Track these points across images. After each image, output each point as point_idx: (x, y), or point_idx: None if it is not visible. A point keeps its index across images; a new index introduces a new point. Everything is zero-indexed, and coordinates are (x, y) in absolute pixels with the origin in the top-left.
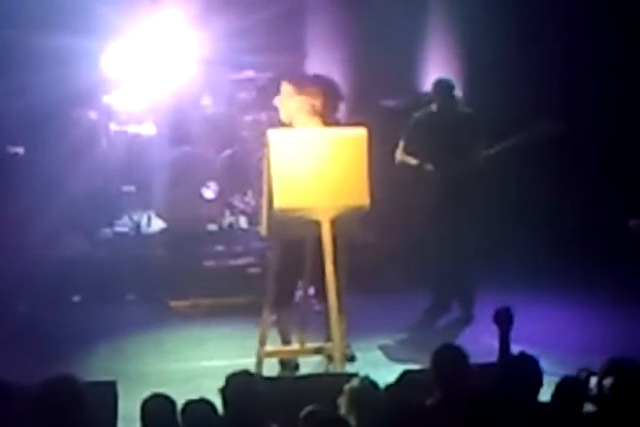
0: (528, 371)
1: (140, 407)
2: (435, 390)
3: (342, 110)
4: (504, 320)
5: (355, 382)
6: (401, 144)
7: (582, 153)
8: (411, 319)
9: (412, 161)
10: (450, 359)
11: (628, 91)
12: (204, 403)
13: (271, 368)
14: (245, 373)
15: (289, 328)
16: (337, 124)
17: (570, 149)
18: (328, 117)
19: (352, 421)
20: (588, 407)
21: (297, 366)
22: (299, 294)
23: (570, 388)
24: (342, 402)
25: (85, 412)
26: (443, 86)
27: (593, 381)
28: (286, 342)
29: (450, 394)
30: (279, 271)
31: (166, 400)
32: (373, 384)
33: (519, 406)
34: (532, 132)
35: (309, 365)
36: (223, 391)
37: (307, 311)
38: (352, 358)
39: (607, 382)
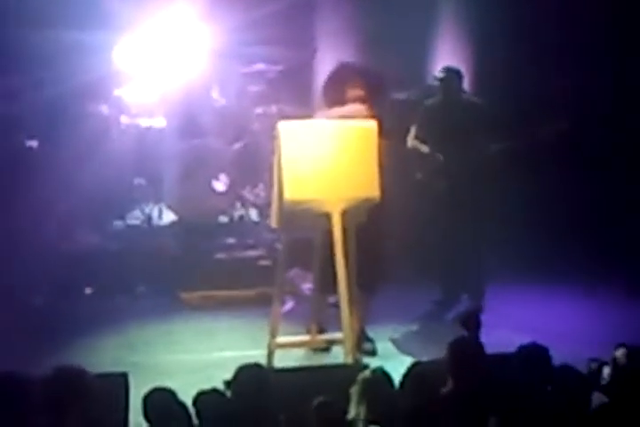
0: (539, 361)
1: (142, 404)
2: (448, 381)
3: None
4: (472, 325)
5: (367, 373)
6: (412, 130)
7: (588, 149)
8: (421, 311)
9: (424, 148)
10: (467, 350)
11: (636, 88)
12: (216, 393)
13: (281, 359)
14: (255, 365)
15: (325, 316)
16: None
17: (575, 144)
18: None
19: (362, 411)
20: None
21: (328, 349)
22: (310, 286)
23: (569, 378)
24: (354, 392)
25: (95, 402)
26: (448, 73)
27: (605, 371)
28: (320, 330)
29: (464, 384)
30: (324, 259)
31: (165, 392)
32: (386, 375)
33: (531, 397)
34: (538, 129)
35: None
36: (232, 383)
37: (320, 303)
38: (373, 352)
39: (606, 370)
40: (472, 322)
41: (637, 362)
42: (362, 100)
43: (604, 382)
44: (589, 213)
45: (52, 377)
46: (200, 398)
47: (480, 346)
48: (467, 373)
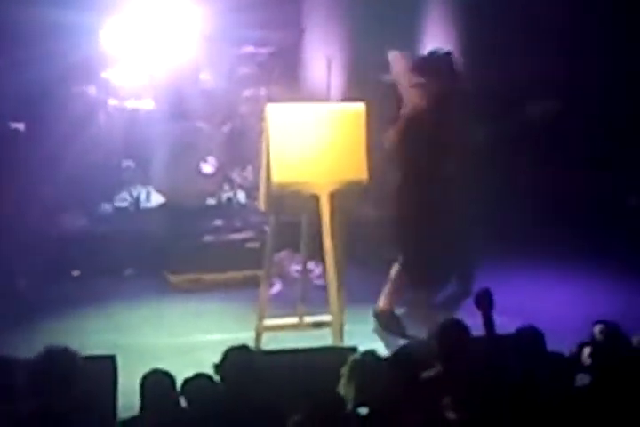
0: (533, 344)
1: (140, 383)
2: (435, 363)
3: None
4: (484, 302)
5: (357, 355)
6: None
7: (579, 131)
8: (408, 294)
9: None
10: (452, 333)
11: (628, 70)
12: (204, 378)
13: (269, 342)
14: (243, 347)
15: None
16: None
17: (567, 127)
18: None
19: (351, 393)
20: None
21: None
22: (298, 268)
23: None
24: (344, 373)
25: (84, 384)
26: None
27: (586, 351)
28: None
29: (450, 366)
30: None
31: (165, 376)
32: (375, 357)
33: (522, 379)
34: (526, 109)
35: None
36: (220, 366)
37: (307, 285)
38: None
39: (586, 350)
40: (485, 301)
41: (614, 338)
42: None
43: (586, 362)
44: (576, 196)
45: (41, 358)
46: (188, 383)
47: (466, 329)
48: (453, 355)
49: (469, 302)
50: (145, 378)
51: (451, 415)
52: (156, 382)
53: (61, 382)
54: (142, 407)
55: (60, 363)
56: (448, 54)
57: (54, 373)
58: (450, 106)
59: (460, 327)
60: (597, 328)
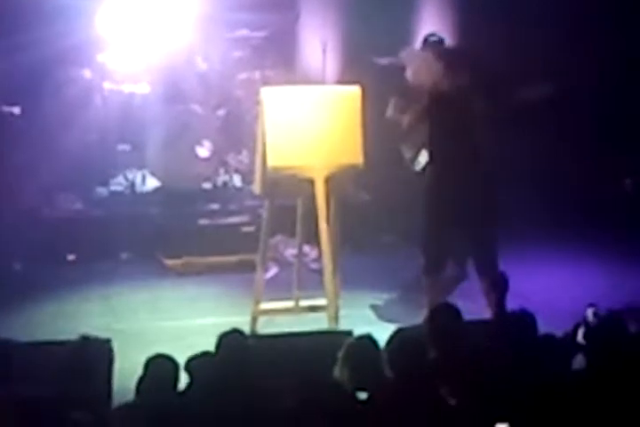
0: (525, 327)
1: (144, 366)
2: (430, 349)
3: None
4: (500, 285)
5: (353, 339)
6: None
7: (574, 114)
8: (405, 278)
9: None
10: (444, 318)
11: (623, 54)
12: (208, 356)
13: (265, 326)
14: (237, 331)
15: None
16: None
17: (561, 110)
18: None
19: (348, 377)
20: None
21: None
22: (294, 252)
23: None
24: (339, 357)
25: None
26: (430, 42)
27: (580, 332)
28: None
29: (444, 352)
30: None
31: (169, 361)
32: (372, 341)
33: (515, 363)
34: (520, 91)
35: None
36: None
37: (302, 269)
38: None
39: (581, 331)
40: (500, 284)
41: (607, 320)
42: None
43: (582, 343)
44: (573, 178)
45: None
46: (192, 362)
47: (457, 313)
48: (446, 340)
49: (465, 286)
50: (149, 361)
51: (447, 401)
52: (160, 366)
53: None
54: (139, 391)
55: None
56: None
57: (86, 362)
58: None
59: (451, 311)
60: (590, 311)
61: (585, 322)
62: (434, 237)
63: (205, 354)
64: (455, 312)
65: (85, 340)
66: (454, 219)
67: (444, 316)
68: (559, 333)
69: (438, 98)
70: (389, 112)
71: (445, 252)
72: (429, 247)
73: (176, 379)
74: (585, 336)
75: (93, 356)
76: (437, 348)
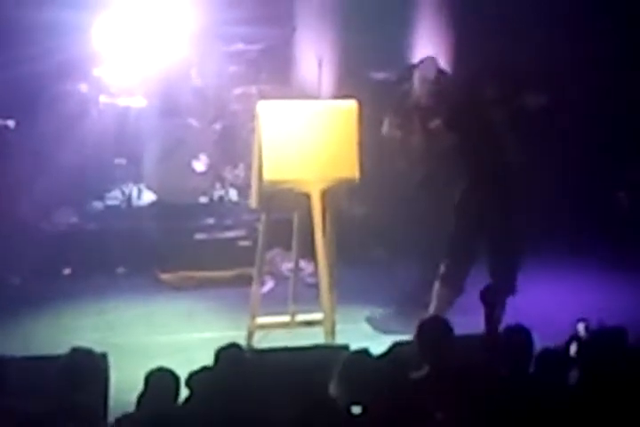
0: (521, 342)
1: (145, 379)
2: (422, 364)
3: None
4: (490, 299)
5: (349, 353)
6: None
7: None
8: (400, 292)
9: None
10: (434, 332)
11: (616, 63)
12: (209, 371)
13: (261, 341)
14: (235, 345)
15: None
16: None
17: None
18: None
19: (344, 391)
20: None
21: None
22: (290, 266)
23: (550, 359)
24: (335, 372)
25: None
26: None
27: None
28: None
29: (436, 366)
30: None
31: (171, 374)
32: (368, 356)
33: (510, 378)
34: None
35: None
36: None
37: (299, 284)
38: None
39: (573, 347)
40: (490, 296)
41: (598, 335)
42: None
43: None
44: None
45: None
46: (193, 377)
47: (447, 327)
48: (436, 355)
49: (460, 301)
50: (150, 375)
51: (440, 415)
52: (161, 380)
53: (82, 383)
54: (139, 403)
55: (85, 364)
56: None
57: (77, 374)
58: None
59: (440, 325)
60: (581, 325)
61: (577, 337)
62: (462, 248)
63: (206, 369)
64: (444, 326)
65: (76, 352)
66: (482, 232)
67: (433, 329)
68: (553, 347)
69: (461, 113)
70: (385, 129)
71: (470, 263)
72: (455, 257)
73: (177, 392)
74: (577, 351)
75: (87, 368)
76: (427, 362)
